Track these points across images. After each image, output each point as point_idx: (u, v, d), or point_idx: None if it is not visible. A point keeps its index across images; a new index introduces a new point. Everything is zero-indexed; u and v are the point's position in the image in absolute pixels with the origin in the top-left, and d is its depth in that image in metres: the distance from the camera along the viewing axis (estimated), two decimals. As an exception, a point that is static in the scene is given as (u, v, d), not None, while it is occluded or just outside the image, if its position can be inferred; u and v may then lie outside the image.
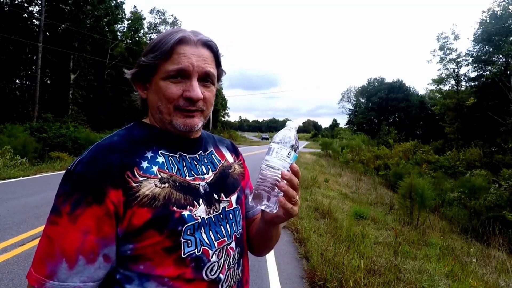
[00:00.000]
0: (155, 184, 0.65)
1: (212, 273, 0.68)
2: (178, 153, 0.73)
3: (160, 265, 0.63)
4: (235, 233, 0.76)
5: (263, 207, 0.67)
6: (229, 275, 0.72)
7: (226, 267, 0.71)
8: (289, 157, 0.65)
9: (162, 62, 0.68)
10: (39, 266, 0.58)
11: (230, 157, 0.88)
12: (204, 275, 0.67)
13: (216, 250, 0.70)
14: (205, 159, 0.79)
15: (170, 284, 0.63)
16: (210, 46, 0.72)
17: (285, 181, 0.65)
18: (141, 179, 0.64)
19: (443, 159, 17.37)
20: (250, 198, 0.68)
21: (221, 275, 0.70)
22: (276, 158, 0.64)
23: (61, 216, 0.58)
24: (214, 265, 0.69)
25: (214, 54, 0.73)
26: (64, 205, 0.59)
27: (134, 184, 0.63)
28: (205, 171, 0.76)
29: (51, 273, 0.57)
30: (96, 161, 0.62)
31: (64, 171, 0.65)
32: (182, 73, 0.68)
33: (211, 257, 0.68)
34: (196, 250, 0.66)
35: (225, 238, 0.73)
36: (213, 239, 0.70)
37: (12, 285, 2.80)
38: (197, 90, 0.68)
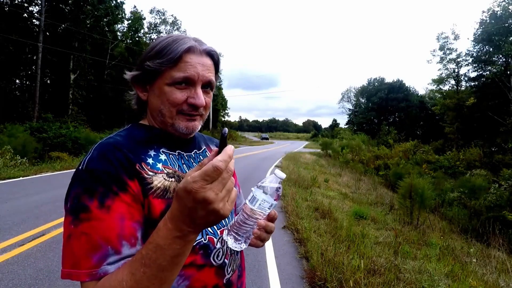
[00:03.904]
0: (164, 178, 0.70)
1: (218, 258, 0.74)
2: (177, 151, 0.78)
3: None
4: None
5: (232, 246, 0.70)
6: (232, 260, 0.79)
7: (229, 253, 0.78)
8: (269, 209, 0.68)
9: (168, 68, 0.71)
10: (83, 263, 0.56)
11: None
12: (212, 260, 0.73)
13: (219, 238, 0.76)
14: (200, 156, 0.85)
15: (182, 273, 0.68)
16: (212, 56, 0.76)
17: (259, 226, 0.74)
18: (150, 173, 0.68)
19: (443, 159, 17.40)
20: (225, 233, 0.71)
21: (225, 260, 0.76)
22: (259, 209, 0.67)
23: (91, 211, 0.58)
24: (219, 251, 0.75)
25: (215, 62, 0.78)
26: (91, 201, 0.59)
27: (146, 176, 0.67)
28: None
29: (99, 262, 0.56)
30: (107, 157, 0.64)
31: (74, 171, 0.65)
32: (188, 80, 0.71)
33: (216, 244, 0.74)
34: (203, 239, 0.72)
35: (226, 227, 0.78)
36: (216, 228, 0.77)
37: (12, 285, 2.80)
38: (202, 97, 0.72)
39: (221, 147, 0.54)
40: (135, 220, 0.61)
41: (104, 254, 0.57)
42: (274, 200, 0.68)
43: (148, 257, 0.52)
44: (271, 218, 0.75)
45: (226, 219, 0.79)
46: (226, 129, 0.57)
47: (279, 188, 0.68)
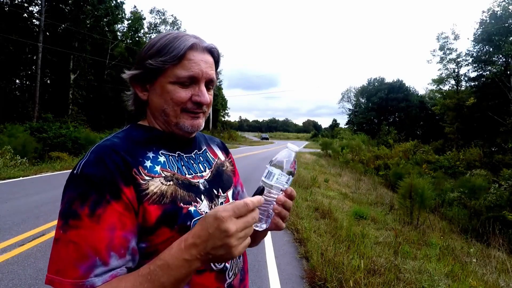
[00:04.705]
0: (161, 182, 0.68)
1: (219, 263, 0.72)
2: (177, 152, 0.77)
3: None
4: None
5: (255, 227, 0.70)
6: (233, 264, 0.77)
7: None
8: (287, 183, 0.68)
9: (171, 66, 0.69)
10: (70, 272, 0.55)
11: (221, 155, 0.93)
12: (212, 264, 0.70)
13: None
14: (200, 157, 0.83)
15: None
16: (213, 53, 0.76)
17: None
18: (147, 178, 0.66)
19: (443, 159, 17.41)
20: None
21: (227, 264, 0.74)
22: (276, 183, 0.67)
23: (82, 219, 0.57)
24: None
25: (215, 59, 0.77)
26: (82, 208, 0.58)
27: (142, 181, 0.65)
28: (202, 169, 0.80)
29: (86, 273, 0.55)
30: (103, 161, 0.62)
31: (69, 174, 0.64)
32: (192, 79, 0.71)
33: None
34: None
35: None
36: None
37: (12, 285, 2.80)
38: (206, 95, 0.72)
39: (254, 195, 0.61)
40: (126, 229, 0.60)
41: (91, 265, 0.55)
42: (291, 175, 0.68)
43: (155, 274, 0.54)
44: (289, 195, 0.72)
45: None
46: (262, 185, 0.66)
47: (294, 160, 0.69)
